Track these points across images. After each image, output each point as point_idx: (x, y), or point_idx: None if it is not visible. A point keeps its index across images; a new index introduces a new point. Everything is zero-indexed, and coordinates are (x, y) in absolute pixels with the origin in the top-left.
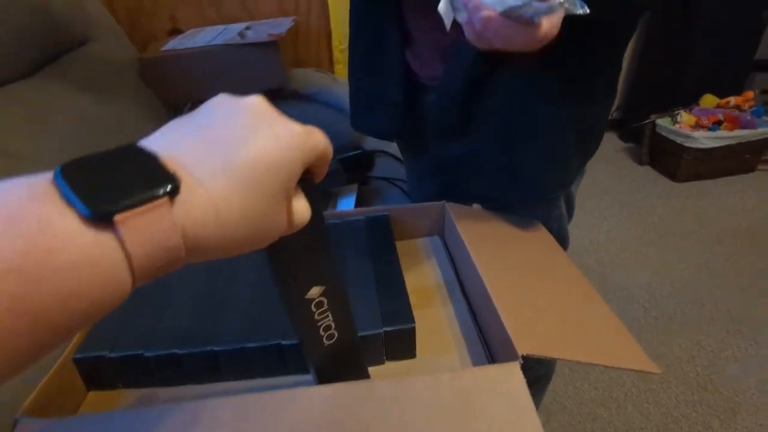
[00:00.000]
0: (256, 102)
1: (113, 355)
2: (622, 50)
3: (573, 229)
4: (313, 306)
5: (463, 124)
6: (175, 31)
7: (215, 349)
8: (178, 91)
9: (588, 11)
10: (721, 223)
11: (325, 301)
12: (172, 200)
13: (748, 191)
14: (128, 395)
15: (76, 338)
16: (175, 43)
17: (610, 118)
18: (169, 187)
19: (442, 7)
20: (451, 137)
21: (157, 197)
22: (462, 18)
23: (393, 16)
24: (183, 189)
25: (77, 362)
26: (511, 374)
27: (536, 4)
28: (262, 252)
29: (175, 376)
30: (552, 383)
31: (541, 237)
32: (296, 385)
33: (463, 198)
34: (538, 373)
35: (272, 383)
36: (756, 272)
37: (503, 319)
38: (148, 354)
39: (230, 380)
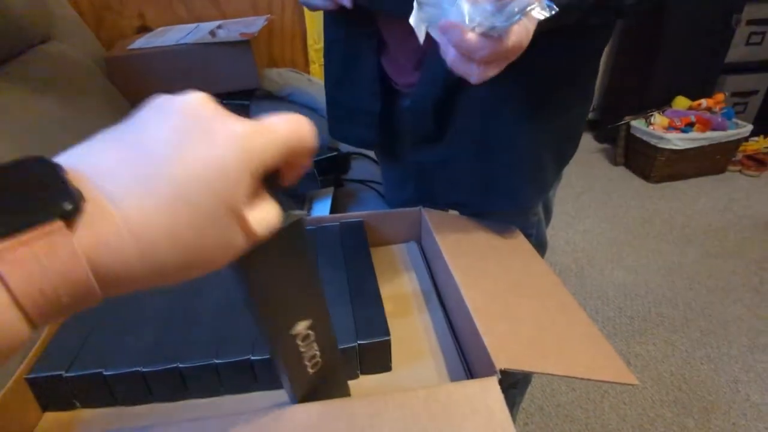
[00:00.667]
0: (192, 100)
1: (70, 374)
2: (597, 56)
3: (550, 229)
4: (298, 340)
5: (437, 131)
6: (144, 29)
7: (181, 366)
8: (146, 91)
9: (555, 10)
10: (693, 224)
11: (312, 333)
12: (71, 223)
13: (719, 192)
14: (88, 415)
15: (29, 356)
16: (143, 42)
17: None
18: (66, 207)
19: (413, 19)
20: (426, 145)
21: (47, 221)
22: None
23: (366, 27)
24: (89, 209)
25: (30, 382)
26: (488, 390)
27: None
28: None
29: (139, 395)
30: (530, 385)
31: (518, 244)
32: (267, 400)
33: (439, 205)
34: (518, 377)
35: (242, 399)
36: (727, 272)
37: (481, 331)
38: (108, 372)
39: (199, 398)
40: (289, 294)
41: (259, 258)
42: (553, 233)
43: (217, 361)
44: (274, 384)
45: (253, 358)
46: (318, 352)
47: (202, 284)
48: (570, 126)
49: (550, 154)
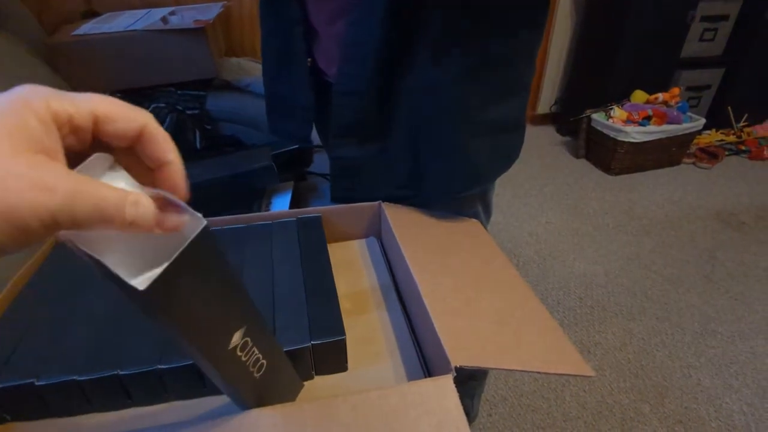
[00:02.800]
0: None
1: None
2: (529, 49)
3: (513, 221)
4: (238, 351)
5: (360, 123)
6: (91, 14)
7: (121, 372)
8: (92, 80)
9: None
10: (650, 215)
11: (249, 339)
12: None
13: (675, 183)
14: (20, 430)
15: None
16: (89, 27)
17: (548, 112)
18: None
19: None
20: (352, 139)
21: None
22: None
23: (297, 17)
24: None
25: None
26: (443, 389)
27: None
28: None
29: (76, 406)
30: (493, 376)
31: (479, 236)
32: (217, 406)
33: (368, 199)
34: (466, 370)
35: (190, 405)
36: (681, 261)
37: (437, 328)
38: (41, 382)
39: (143, 405)
40: (217, 310)
41: (173, 292)
42: (516, 225)
43: (161, 367)
44: None
45: None
46: (260, 355)
47: None
48: (504, 117)
49: (484, 144)
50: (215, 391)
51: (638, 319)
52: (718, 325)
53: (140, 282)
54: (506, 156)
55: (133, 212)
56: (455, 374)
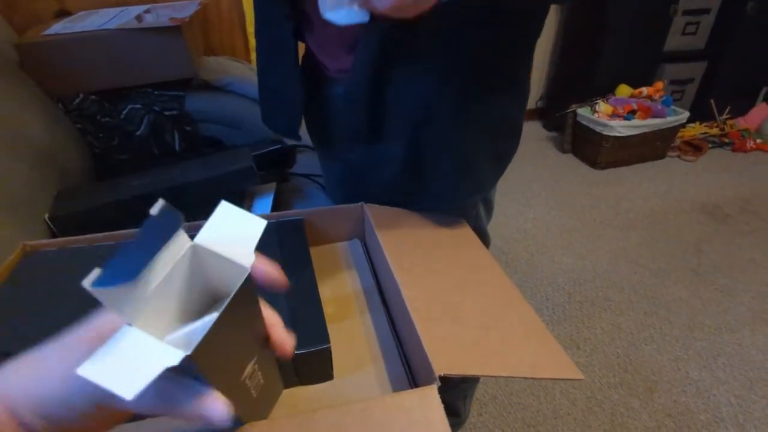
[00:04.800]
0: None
1: None
2: (529, 50)
3: (501, 218)
4: (247, 380)
5: (371, 126)
6: (63, 13)
7: None
8: (64, 81)
9: None
10: (636, 209)
11: (257, 366)
12: None
13: (660, 177)
14: None
15: None
16: (60, 27)
17: (534, 107)
18: None
19: None
20: (359, 143)
21: None
22: None
23: (286, 13)
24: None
25: None
26: (427, 400)
27: None
28: None
29: None
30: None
31: (465, 237)
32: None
33: (374, 203)
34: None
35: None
36: (667, 255)
37: (421, 335)
38: None
39: None
40: (239, 347)
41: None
42: (504, 222)
43: None
44: None
45: None
46: (260, 376)
47: None
48: (505, 122)
49: (486, 152)
50: None
51: (626, 313)
52: (705, 317)
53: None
54: (507, 160)
55: None
56: (439, 384)
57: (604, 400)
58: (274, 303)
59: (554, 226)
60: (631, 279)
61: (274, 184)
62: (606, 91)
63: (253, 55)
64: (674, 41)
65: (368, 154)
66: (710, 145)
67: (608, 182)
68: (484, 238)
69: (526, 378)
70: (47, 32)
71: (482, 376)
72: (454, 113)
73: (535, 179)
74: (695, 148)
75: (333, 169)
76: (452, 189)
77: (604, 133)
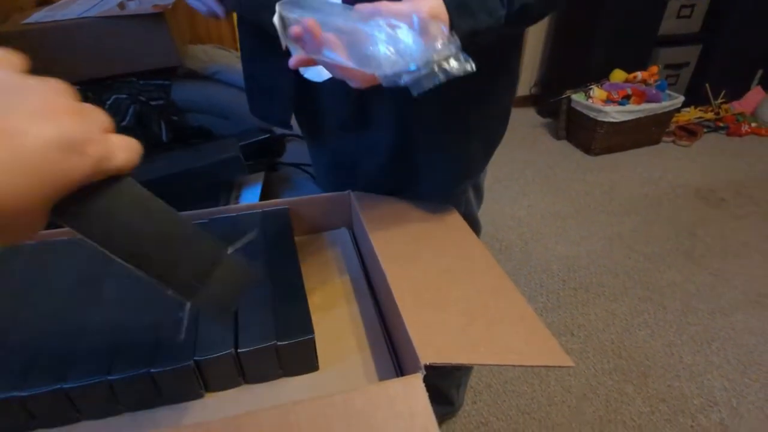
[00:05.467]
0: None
1: None
2: (519, 37)
3: (495, 205)
4: None
5: (358, 114)
6: (45, 2)
7: (66, 386)
8: (46, 71)
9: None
10: (631, 194)
11: None
12: None
13: (654, 162)
14: None
15: None
16: (41, 15)
17: (528, 93)
18: None
19: (276, 19)
20: (348, 132)
21: None
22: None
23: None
24: None
25: None
26: (411, 389)
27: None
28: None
29: (19, 423)
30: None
31: (453, 224)
32: (173, 417)
33: (365, 191)
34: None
35: (145, 417)
36: (661, 240)
37: (407, 324)
38: None
39: (93, 419)
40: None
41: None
42: (498, 209)
43: (110, 377)
44: (179, 397)
45: (153, 370)
46: None
47: (90, 286)
48: (495, 108)
49: (476, 138)
50: (172, 401)
51: (621, 299)
52: (699, 302)
53: None
54: (495, 144)
55: None
56: (424, 372)
57: (598, 387)
58: (255, 292)
59: (548, 213)
60: (625, 264)
61: (262, 174)
62: (600, 77)
63: None
64: (669, 25)
65: (357, 143)
66: (705, 130)
67: (603, 168)
68: (475, 224)
69: (514, 366)
70: (28, 21)
71: (469, 364)
72: (442, 101)
73: (529, 166)
74: (690, 133)
75: (323, 159)
76: (443, 176)
77: (599, 118)
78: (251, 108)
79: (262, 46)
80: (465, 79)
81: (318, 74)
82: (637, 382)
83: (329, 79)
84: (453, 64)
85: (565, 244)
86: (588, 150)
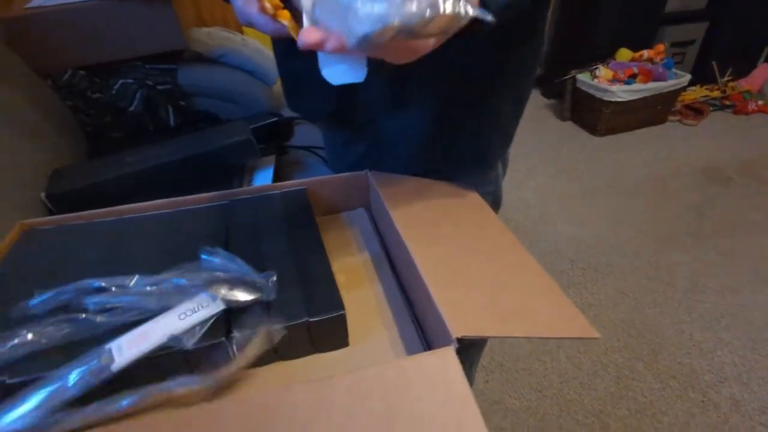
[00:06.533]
0: None
1: None
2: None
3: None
4: None
5: (396, 91)
6: None
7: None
8: (52, 56)
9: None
10: (637, 174)
11: None
12: None
13: (660, 142)
14: None
15: None
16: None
17: None
18: None
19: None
20: (383, 109)
21: None
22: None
23: None
24: None
25: None
26: (445, 361)
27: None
28: None
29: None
30: (488, 342)
31: (472, 202)
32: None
33: (391, 170)
34: (466, 340)
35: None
36: (669, 219)
37: (435, 299)
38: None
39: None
40: None
41: None
42: (505, 191)
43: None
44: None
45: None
46: None
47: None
48: (525, 71)
49: (511, 103)
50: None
51: (629, 278)
52: (708, 280)
53: None
54: (524, 105)
55: None
56: (456, 345)
57: (609, 364)
58: (283, 272)
59: (555, 194)
60: (633, 244)
61: (273, 157)
62: (606, 56)
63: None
64: (675, 1)
65: (395, 123)
66: (711, 109)
67: (608, 149)
68: (501, 197)
69: (542, 338)
70: (31, 5)
71: (499, 336)
72: (481, 67)
73: (534, 148)
74: (696, 111)
75: (343, 135)
76: (485, 149)
77: (605, 98)
78: (289, 104)
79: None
80: (502, 45)
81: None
82: (648, 359)
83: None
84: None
85: (572, 224)
86: (594, 130)
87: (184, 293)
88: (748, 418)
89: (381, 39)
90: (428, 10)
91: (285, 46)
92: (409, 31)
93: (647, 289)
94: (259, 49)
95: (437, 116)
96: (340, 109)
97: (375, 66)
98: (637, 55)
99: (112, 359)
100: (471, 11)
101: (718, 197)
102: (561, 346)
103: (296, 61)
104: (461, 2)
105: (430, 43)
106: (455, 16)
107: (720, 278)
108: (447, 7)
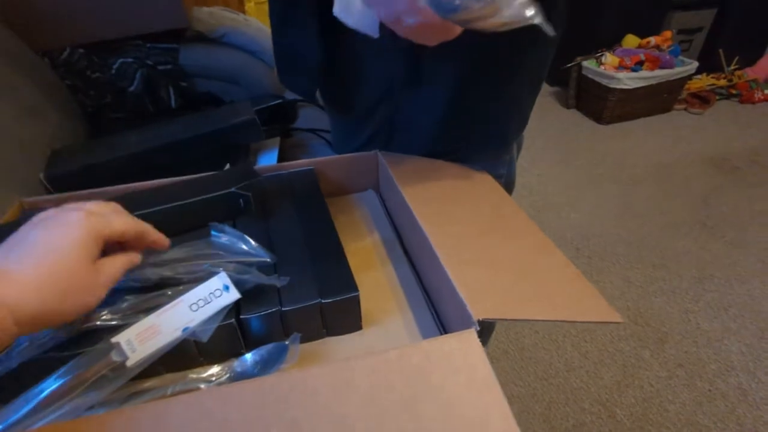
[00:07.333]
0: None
1: None
2: None
3: None
4: None
5: (410, 71)
6: None
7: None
8: (49, 33)
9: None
10: (643, 163)
11: None
12: None
13: (666, 130)
14: None
15: None
16: None
17: None
18: None
19: None
20: (396, 90)
21: None
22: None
23: None
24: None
25: None
26: (467, 344)
27: None
28: None
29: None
30: (494, 330)
31: (485, 184)
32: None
33: (401, 152)
34: (482, 324)
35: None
36: (675, 208)
37: (454, 280)
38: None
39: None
40: None
41: None
42: None
43: None
44: (222, 356)
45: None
46: None
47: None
48: (544, 45)
49: (528, 83)
50: (212, 359)
51: (635, 267)
52: (715, 269)
53: None
54: (540, 86)
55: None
56: (478, 328)
57: (615, 353)
58: (294, 252)
59: (559, 182)
60: (638, 233)
61: (278, 139)
62: (612, 42)
63: (248, 6)
64: None
65: (408, 104)
66: (718, 97)
67: (613, 137)
68: (513, 181)
69: (565, 321)
70: None
71: (521, 320)
72: (502, 45)
73: (538, 136)
74: (702, 100)
75: (350, 117)
76: (503, 129)
77: (611, 86)
78: (281, 78)
79: (290, 11)
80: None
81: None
82: (654, 348)
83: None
84: None
85: (577, 212)
86: (599, 119)
87: (192, 271)
88: (755, 407)
89: (464, 16)
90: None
91: (277, 17)
92: (477, 19)
93: (653, 278)
94: (261, 28)
95: (454, 96)
96: (345, 88)
97: (390, 43)
98: (644, 41)
99: (124, 355)
100: (538, 20)
101: (725, 186)
102: (567, 335)
103: (285, 32)
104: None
105: (459, 30)
106: (526, 20)
107: (727, 268)
108: (532, 14)
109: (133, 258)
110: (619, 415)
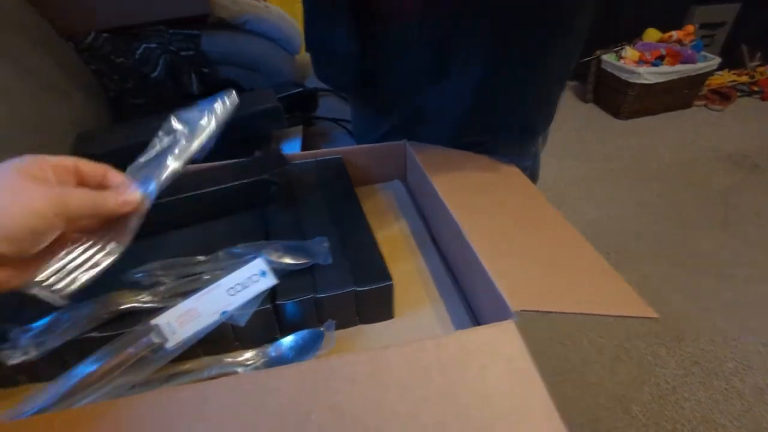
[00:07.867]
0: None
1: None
2: None
3: None
4: None
5: (440, 60)
6: None
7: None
8: (75, 18)
9: None
10: (661, 159)
11: None
12: None
13: (686, 126)
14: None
15: None
16: None
17: None
18: None
19: None
20: (424, 81)
21: None
22: None
23: None
24: None
25: None
26: (507, 335)
27: None
28: None
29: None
30: None
31: (513, 176)
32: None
33: (425, 142)
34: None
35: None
36: (694, 206)
37: (490, 272)
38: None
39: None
40: None
41: None
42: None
43: None
44: (258, 340)
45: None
46: None
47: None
48: (573, 32)
49: (557, 72)
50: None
51: (652, 264)
52: (734, 268)
53: None
54: (567, 77)
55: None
56: (517, 319)
57: (631, 349)
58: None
59: (576, 177)
60: (655, 230)
61: (300, 128)
62: (633, 36)
63: None
64: None
65: (435, 95)
66: (739, 94)
67: (631, 132)
68: (538, 172)
69: (599, 315)
70: None
71: (557, 312)
72: (531, 32)
73: (555, 130)
74: (723, 96)
75: (372, 107)
76: (532, 119)
77: (630, 80)
78: (316, 72)
79: (322, 6)
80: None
81: None
82: (671, 345)
83: (403, 37)
84: None
85: (593, 208)
86: (617, 113)
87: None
88: None
89: None
90: None
91: (309, 8)
92: None
93: (670, 275)
94: (282, 15)
95: (482, 87)
96: (373, 80)
97: (418, 36)
98: (665, 35)
99: (164, 337)
100: None
101: (745, 185)
102: (582, 330)
103: (318, 28)
104: None
105: None
106: None
107: (746, 267)
108: None
109: (97, 198)
110: (635, 410)
